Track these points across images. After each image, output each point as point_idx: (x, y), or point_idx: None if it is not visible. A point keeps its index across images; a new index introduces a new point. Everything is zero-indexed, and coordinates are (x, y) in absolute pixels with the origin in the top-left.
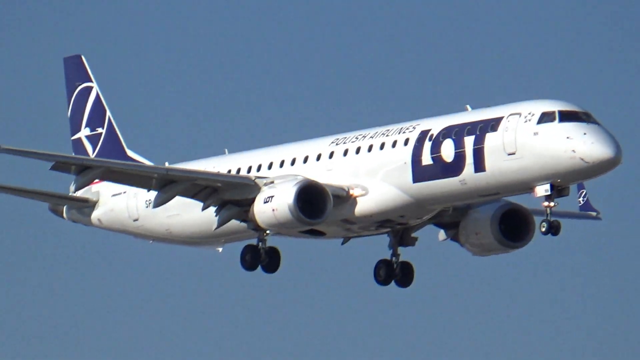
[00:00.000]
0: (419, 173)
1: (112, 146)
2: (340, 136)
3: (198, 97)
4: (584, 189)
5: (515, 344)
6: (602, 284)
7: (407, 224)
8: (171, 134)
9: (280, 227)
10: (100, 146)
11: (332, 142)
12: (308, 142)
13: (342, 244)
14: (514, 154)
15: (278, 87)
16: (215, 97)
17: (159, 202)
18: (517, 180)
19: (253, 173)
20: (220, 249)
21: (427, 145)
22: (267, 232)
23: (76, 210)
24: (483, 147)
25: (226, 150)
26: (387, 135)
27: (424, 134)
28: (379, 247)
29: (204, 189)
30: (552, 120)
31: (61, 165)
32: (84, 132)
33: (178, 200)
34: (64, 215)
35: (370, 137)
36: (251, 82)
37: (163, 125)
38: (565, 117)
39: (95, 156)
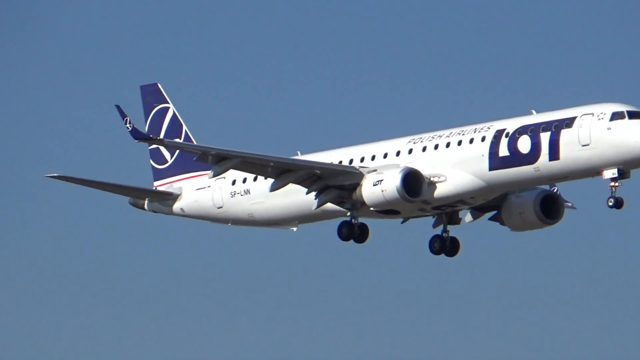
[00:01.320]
0: (495, 162)
1: (188, 155)
2: (416, 137)
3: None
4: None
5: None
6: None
7: (473, 204)
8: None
9: (385, 205)
10: (178, 153)
11: (410, 141)
12: (387, 142)
13: (402, 222)
14: (588, 145)
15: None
16: (283, 101)
17: (275, 188)
18: (589, 167)
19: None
20: (295, 229)
21: (504, 140)
22: (370, 209)
23: (158, 202)
24: (558, 141)
25: (298, 152)
26: (462, 135)
27: (499, 132)
28: (425, 227)
29: (312, 177)
30: (623, 118)
31: (204, 156)
32: None
33: (261, 191)
34: (145, 207)
35: (446, 136)
36: (317, 89)
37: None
38: (633, 115)
39: (173, 163)
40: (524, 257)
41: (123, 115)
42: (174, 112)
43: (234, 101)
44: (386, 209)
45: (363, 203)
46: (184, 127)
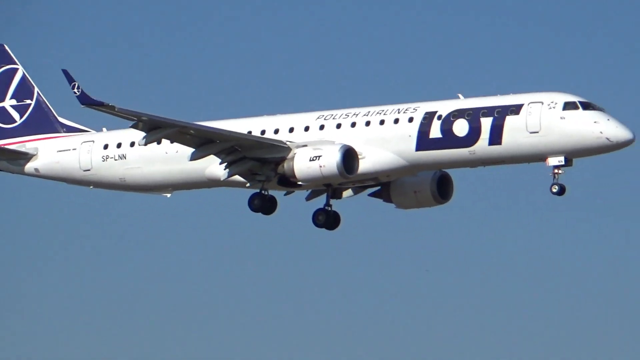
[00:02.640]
0: (424, 143)
1: (41, 114)
2: (327, 113)
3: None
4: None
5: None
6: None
7: (384, 181)
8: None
9: (320, 180)
10: (29, 114)
11: (319, 117)
12: (292, 116)
13: (307, 200)
14: (537, 132)
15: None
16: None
17: (195, 158)
18: (533, 153)
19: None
20: (169, 195)
21: (436, 123)
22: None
23: (7, 161)
24: (502, 126)
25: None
26: (384, 114)
27: (430, 114)
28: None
29: (231, 147)
30: (576, 108)
31: (142, 123)
32: (9, 102)
33: (139, 156)
34: None
35: (364, 115)
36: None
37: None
38: (586, 106)
39: (22, 123)
40: (409, 233)
41: (71, 80)
42: (23, 73)
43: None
44: (309, 184)
45: (290, 177)
46: (36, 89)
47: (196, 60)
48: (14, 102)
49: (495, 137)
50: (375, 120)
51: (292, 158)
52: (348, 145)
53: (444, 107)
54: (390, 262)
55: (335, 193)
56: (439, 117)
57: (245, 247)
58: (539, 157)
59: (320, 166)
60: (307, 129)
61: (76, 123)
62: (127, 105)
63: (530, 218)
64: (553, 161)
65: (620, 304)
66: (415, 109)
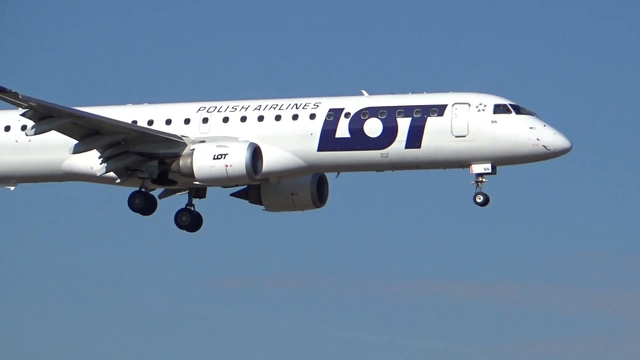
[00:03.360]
0: (328, 143)
1: None
2: (209, 104)
3: None
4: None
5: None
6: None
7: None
8: None
9: (223, 181)
10: None
11: (201, 109)
12: (166, 105)
13: (160, 197)
14: (464, 136)
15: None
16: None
17: (79, 151)
18: (457, 158)
19: None
20: (13, 188)
21: (344, 121)
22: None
23: None
24: (423, 128)
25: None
26: (279, 109)
27: (335, 112)
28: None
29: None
30: (509, 112)
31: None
32: None
33: None
34: None
35: (255, 109)
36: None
37: None
38: (517, 110)
39: None
40: (279, 237)
41: None
42: None
43: None
44: (205, 184)
45: (186, 175)
46: None
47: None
48: None
49: (414, 139)
50: (269, 116)
51: (190, 155)
52: (255, 144)
53: (351, 104)
54: (256, 267)
55: (199, 192)
56: (347, 115)
57: (98, 247)
58: (462, 163)
59: (227, 165)
60: (187, 121)
61: None
62: None
63: (415, 223)
64: (478, 168)
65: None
66: (316, 105)
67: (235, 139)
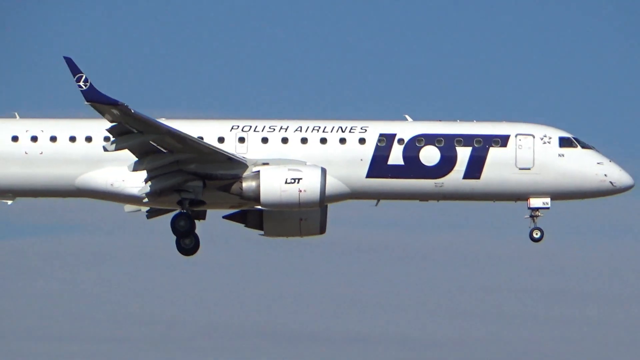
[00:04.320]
0: (380, 170)
1: None
2: (243, 123)
3: None
4: None
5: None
6: None
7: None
8: None
9: (293, 206)
10: None
11: (235, 128)
12: (201, 122)
13: (148, 217)
14: (528, 169)
15: None
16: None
17: (140, 168)
18: (518, 191)
19: None
20: (10, 202)
21: (397, 147)
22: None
23: None
24: (485, 158)
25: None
26: (323, 132)
27: (387, 137)
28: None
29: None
30: (574, 146)
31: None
32: None
33: None
34: None
35: (296, 130)
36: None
37: None
38: (582, 144)
39: None
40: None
41: (76, 71)
42: None
43: None
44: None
45: (249, 199)
46: None
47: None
48: None
49: (474, 170)
50: (314, 138)
51: (255, 177)
52: (322, 167)
53: (403, 130)
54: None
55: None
56: (400, 141)
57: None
58: (521, 196)
59: (300, 190)
60: (221, 140)
61: None
62: None
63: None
64: (536, 202)
65: None
66: (364, 129)
67: (302, 163)
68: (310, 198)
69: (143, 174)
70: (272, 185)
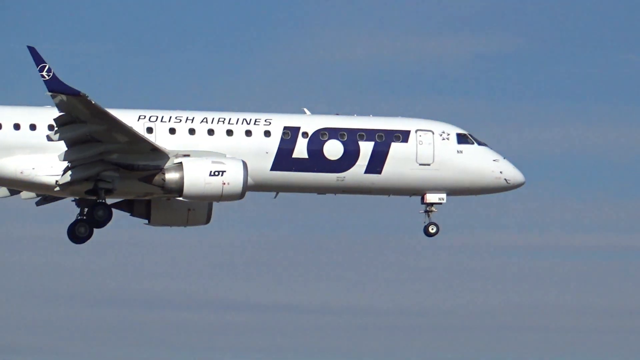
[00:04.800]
0: (284, 163)
1: None
2: (148, 113)
3: None
4: None
5: None
6: None
7: None
8: None
9: (215, 198)
10: None
11: (141, 118)
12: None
13: (37, 204)
14: (428, 165)
15: None
16: None
17: (72, 158)
18: (416, 186)
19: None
20: None
21: (302, 141)
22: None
23: None
24: (386, 153)
25: None
26: (228, 123)
27: (292, 130)
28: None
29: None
30: (471, 143)
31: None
32: None
33: None
34: None
35: (202, 121)
36: None
37: None
38: (477, 141)
39: None
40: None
41: (39, 61)
42: None
43: None
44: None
45: (171, 190)
46: None
47: None
48: None
49: (375, 165)
50: (220, 130)
51: (178, 169)
52: (244, 161)
53: (307, 123)
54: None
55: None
56: (305, 135)
57: None
58: (419, 191)
59: (224, 183)
60: None
61: None
62: None
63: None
64: (432, 197)
65: None
66: (268, 121)
67: (222, 155)
68: (233, 191)
69: (54, 162)
70: (196, 177)
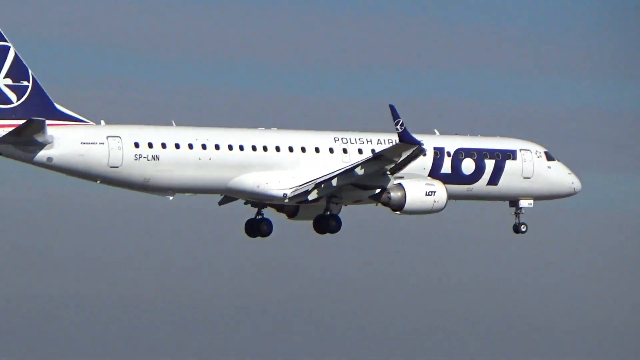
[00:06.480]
0: (434, 178)
1: (39, 99)
2: (339, 134)
3: None
4: None
5: None
6: None
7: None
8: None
9: (424, 212)
10: (28, 98)
11: (336, 139)
12: (306, 133)
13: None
14: (529, 178)
15: None
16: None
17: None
18: (517, 194)
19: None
20: (172, 198)
21: (447, 159)
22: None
23: (13, 145)
24: (502, 169)
25: (173, 121)
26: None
27: (440, 150)
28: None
29: None
30: (553, 159)
31: None
32: (4, 82)
33: (171, 159)
34: None
35: (379, 142)
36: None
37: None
38: (554, 158)
39: (21, 105)
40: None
41: (396, 116)
42: (15, 53)
43: None
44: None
45: (393, 206)
46: (31, 72)
47: None
48: (9, 81)
49: (494, 178)
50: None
51: (400, 189)
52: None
53: (448, 144)
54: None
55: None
56: (448, 154)
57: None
58: (516, 198)
59: (435, 202)
60: (331, 150)
61: (72, 111)
62: None
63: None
64: (524, 203)
65: None
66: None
67: (424, 177)
68: (439, 207)
69: (281, 178)
70: (416, 197)
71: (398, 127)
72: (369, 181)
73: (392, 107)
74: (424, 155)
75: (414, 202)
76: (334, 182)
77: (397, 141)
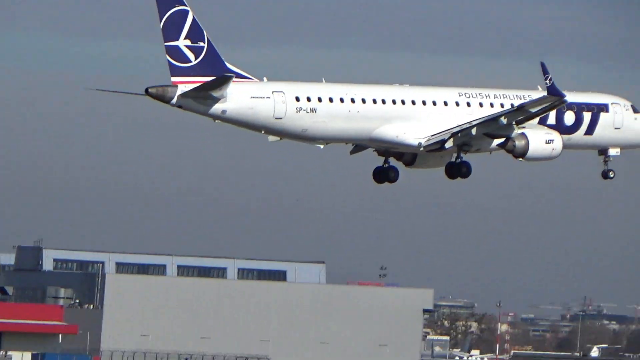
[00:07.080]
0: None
1: (213, 58)
2: (462, 90)
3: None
4: None
5: None
6: None
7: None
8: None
9: (544, 158)
10: (203, 57)
11: (461, 95)
12: (434, 89)
13: (351, 153)
14: (619, 129)
15: None
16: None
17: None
18: (608, 144)
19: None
20: (322, 146)
21: (552, 111)
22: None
23: (193, 99)
24: (597, 120)
25: (323, 79)
26: (508, 98)
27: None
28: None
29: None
30: (638, 112)
31: None
32: (184, 42)
33: (327, 111)
34: (173, 100)
35: (495, 97)
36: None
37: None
38: (639, 111)
39: (198, 64)
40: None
41: (545, 72)
42: (194, 17)
43: None
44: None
45: (517, 153)
46: (206, 34)
47: None
48: (188, 42)
49: (590, 129)
50: (498, 104)
51: (524, 137)
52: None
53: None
54: None
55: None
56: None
57: None
58: (606, 147)
59: (553, 149)
60: (457, 104)
61: (241, 70)
62: None
63: None
64: (613, 152)
65: None
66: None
67: (541, 127)
68: (555, 154)
69: (416, 129)
70: (538, 144)
71: (547, 81)
72: (499, 131)
73: (542, 65)
74: (565, 108)
75: (536, 149)
76: (473, 131)
77: (526, 96)
